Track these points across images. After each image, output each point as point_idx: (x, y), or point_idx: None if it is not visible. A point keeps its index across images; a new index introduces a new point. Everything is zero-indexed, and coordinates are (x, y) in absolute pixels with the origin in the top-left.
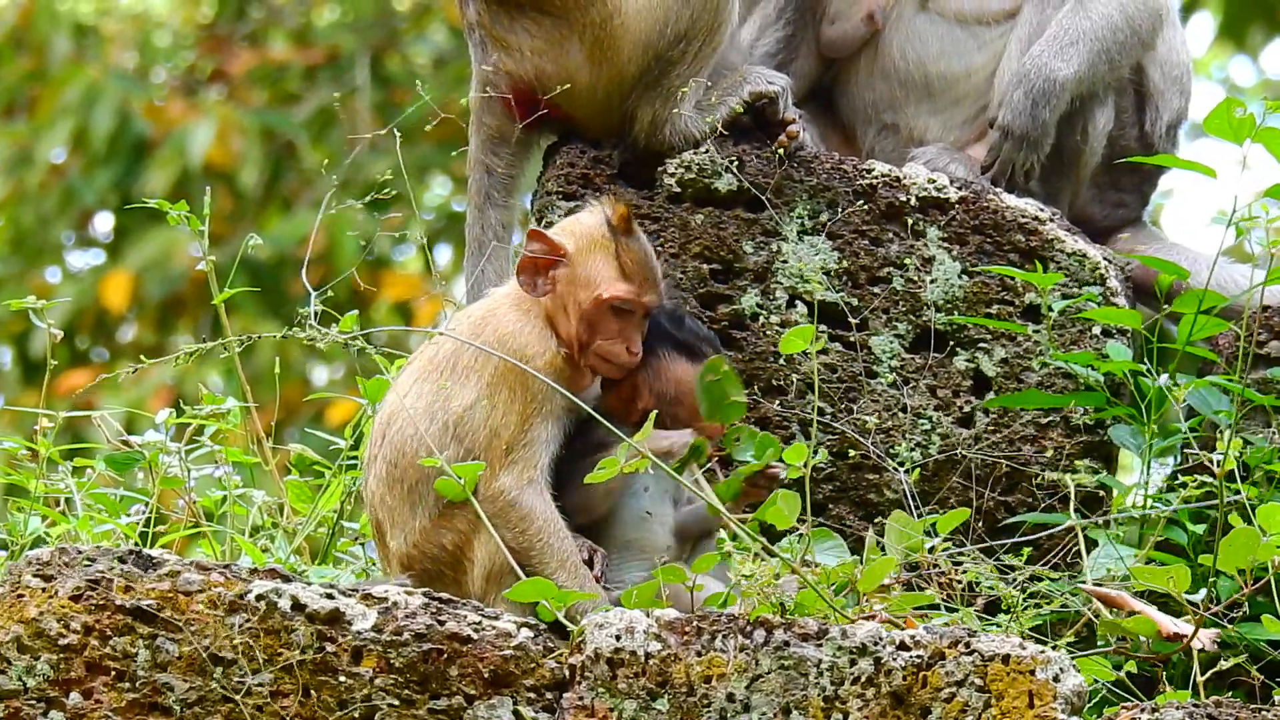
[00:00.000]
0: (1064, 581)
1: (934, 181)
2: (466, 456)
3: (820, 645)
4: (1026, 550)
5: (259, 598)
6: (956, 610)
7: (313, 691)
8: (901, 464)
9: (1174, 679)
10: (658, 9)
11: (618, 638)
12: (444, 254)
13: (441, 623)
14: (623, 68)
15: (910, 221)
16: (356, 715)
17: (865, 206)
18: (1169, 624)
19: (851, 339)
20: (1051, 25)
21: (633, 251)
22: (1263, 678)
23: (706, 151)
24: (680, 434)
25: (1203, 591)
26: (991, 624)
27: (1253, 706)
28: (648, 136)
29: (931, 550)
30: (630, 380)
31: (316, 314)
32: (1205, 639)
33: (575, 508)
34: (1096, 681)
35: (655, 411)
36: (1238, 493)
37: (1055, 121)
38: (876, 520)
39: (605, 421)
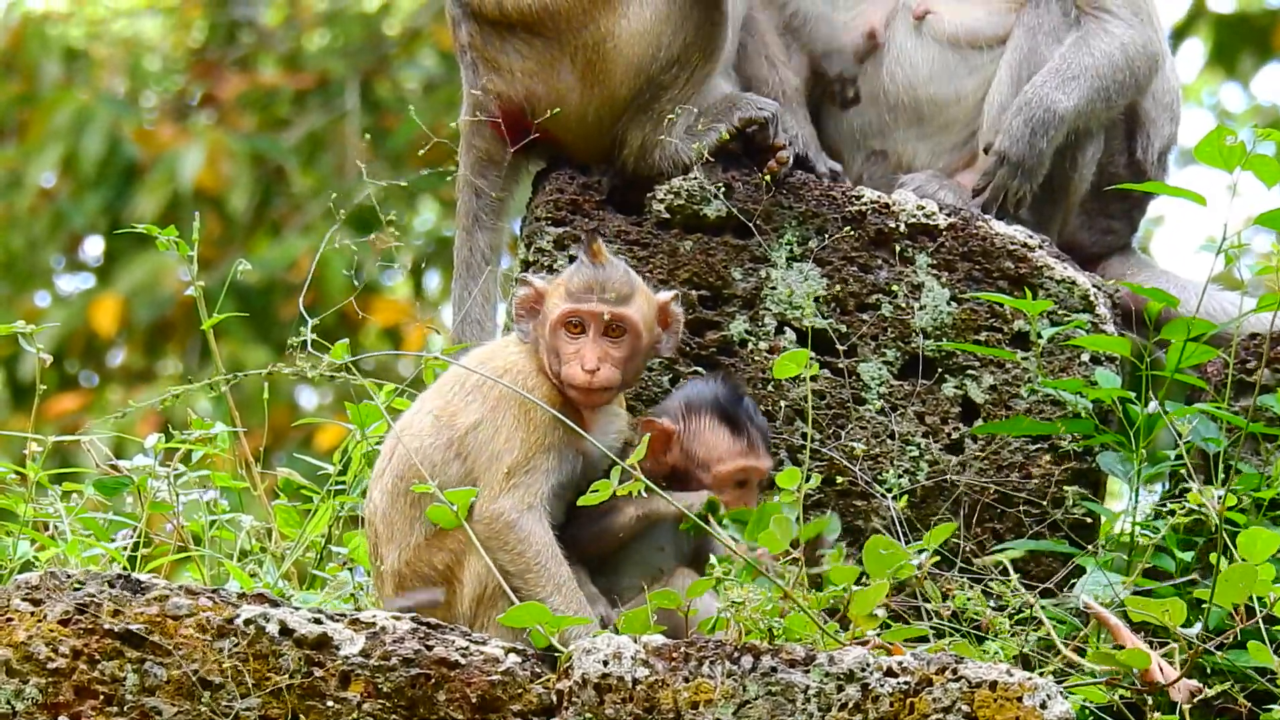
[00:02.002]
0: (1055, 604)
1: (923, 208)
2: (468, 475)
3: (807, 671)
4: (1015, 576)
5: (247, 622)
6: (945, 635)
7: (301, 716)
8: (889, 490)
9: (1161, 705)
10: (651, 33)
11: (605, 663)
12: (432, 279)
13: (429, 648)
14: (614, 91)
15: (899, 248)
16: None
17: (854, 233)
18: (1155, 669)
19: (840, 365)
20: (1054, 57)
21: (582, 272)
22: (1249, 705)
23: (695, 177)
24: (698, 495)
25: (1198, 626)
26: (982, 643)
27: None
28: (636, 161)
29: (919, 566)
30: (665, 432)
31: (308, 343)
32: (1184, 692)
33: (587, 539)
34: (1084, 706)
35: (649, 435)
36: (1233, 524)
37: (1052, 152)
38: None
39: (606, 450)
